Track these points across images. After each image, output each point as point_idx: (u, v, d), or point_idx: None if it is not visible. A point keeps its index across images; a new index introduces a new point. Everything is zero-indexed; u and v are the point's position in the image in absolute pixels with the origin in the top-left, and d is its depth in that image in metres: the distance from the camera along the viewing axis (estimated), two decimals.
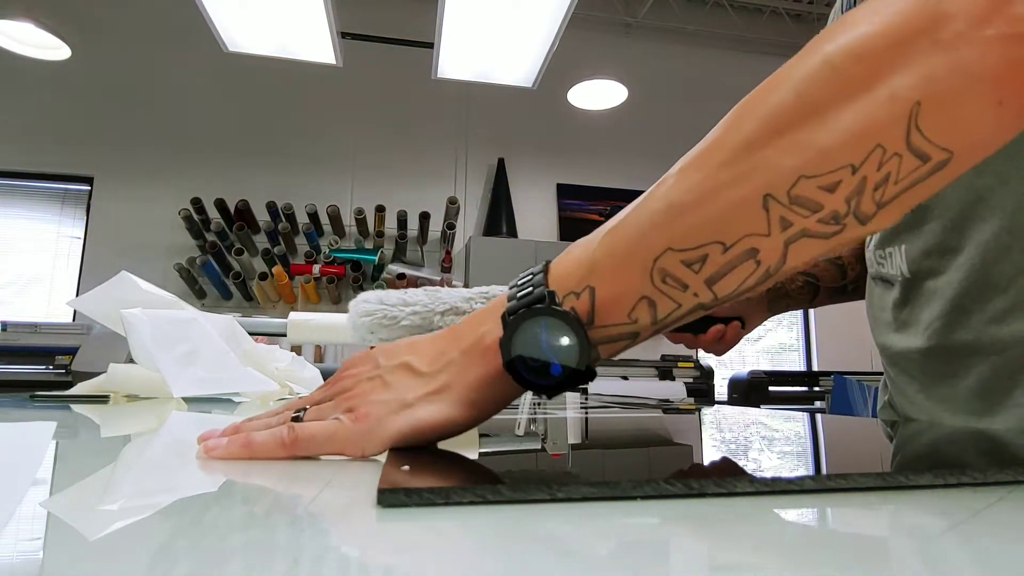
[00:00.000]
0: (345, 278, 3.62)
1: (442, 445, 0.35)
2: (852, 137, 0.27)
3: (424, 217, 3.70)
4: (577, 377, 0.31)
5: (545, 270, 0.33)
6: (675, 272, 0.30)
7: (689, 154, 0.31)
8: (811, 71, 0.29)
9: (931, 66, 0.27)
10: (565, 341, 0.30)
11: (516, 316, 0.30)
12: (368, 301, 0.51)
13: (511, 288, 0.33)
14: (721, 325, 0.75)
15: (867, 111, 0.27)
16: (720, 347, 0.76)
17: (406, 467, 0.27)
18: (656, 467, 0.37)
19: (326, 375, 1.26)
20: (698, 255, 0.29)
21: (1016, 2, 0.26)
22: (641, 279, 0.30)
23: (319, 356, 3.21)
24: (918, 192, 0.28)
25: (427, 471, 0.28)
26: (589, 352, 0.30)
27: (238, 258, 3.48)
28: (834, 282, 0.80)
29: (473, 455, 0.36)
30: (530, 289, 0.32)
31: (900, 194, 0.28)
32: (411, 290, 0.49)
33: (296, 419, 0.33)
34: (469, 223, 4.10)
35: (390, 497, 0.22)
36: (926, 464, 0.34)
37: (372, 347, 0.36)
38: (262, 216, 3.61)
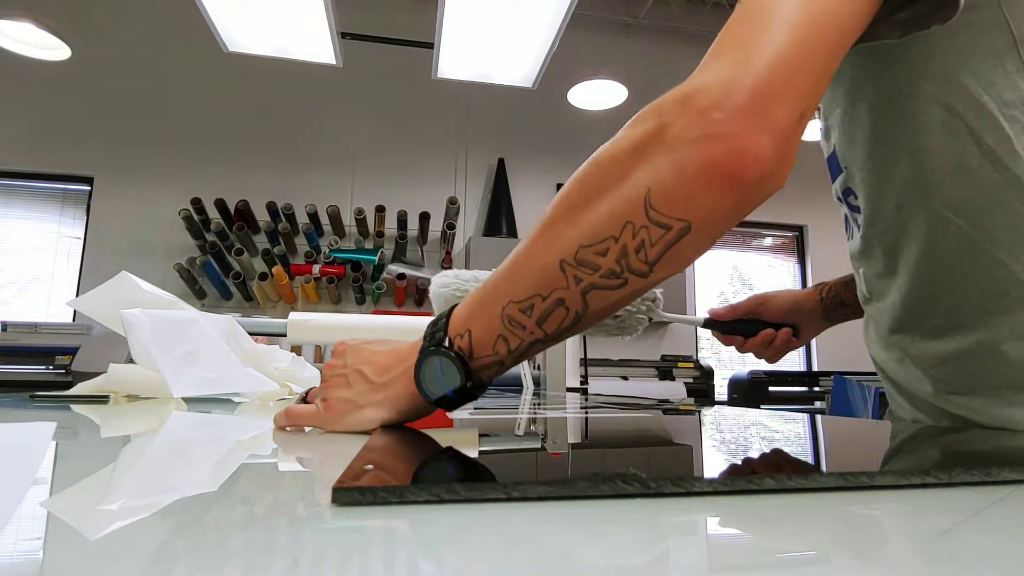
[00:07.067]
0: (345, 278, 3.62)
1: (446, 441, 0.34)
2: (610, 216, 0.37)
3: (424, 217, 3.69)
4: (465, 396, 0.42)
5: (449, 314, 0.44)
6: (516, 317, 0.40)
7: None
8: (587, 168, 0.39)
9: (657, 162, 0.36)
10: (453, 373, 0.41)
11: (421, 355, 0.43)
12: (446, 276, 0.60)
13: (428, 327, 0.44)
14: (771, 330, 0.74)
15: (617, 198, 0.36)
16: (769, 352, 0.75)
17: (369, 466, 0.27)
18: (645, 467, 0.37)
19: None
20: (527, 304, 0.39)
21: (713, 108, 0.34)
22: (497, 323, 0.41)
23: (319, 356, 3.21)
24: (680, 250, 0.36)
25: (394, 469, 0.28)
26: (468, 380, 0.41)
27: (238, 258, 3.47)
28: None
29: (473, 454, 0.36)
30: (439, 333, 0.43)
31: (663, 253, 0.36)
32: (482, 271, 0.56)
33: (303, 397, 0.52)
34: (469, 223, 4.09)
35: (345, 496, 0.22)
36: (926, 464, 0.34)
37: (342, 342, 0.49)
38: (262, 216, 3.60)
